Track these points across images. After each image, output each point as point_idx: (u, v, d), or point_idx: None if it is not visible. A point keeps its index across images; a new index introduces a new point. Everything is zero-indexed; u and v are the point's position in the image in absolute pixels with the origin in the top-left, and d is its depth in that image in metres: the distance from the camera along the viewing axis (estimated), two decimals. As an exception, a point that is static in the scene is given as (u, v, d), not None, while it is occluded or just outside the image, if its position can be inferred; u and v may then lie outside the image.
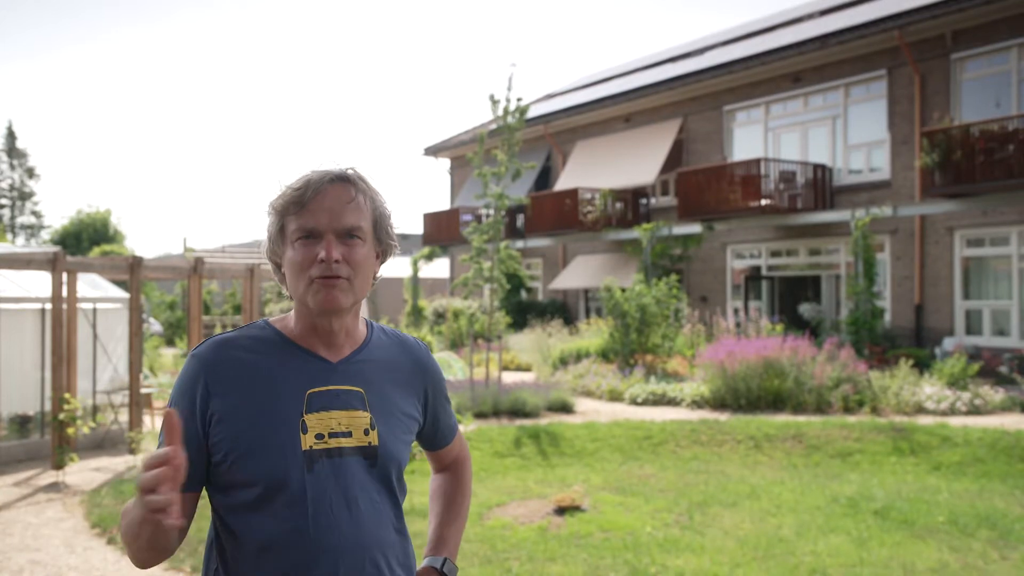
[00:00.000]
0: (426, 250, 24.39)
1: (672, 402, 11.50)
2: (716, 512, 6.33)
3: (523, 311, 21.54)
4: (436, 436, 1.81)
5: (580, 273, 21.43)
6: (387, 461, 1.57)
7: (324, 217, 1.51)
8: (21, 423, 8.94)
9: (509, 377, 13.64)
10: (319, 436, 1.51)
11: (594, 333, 16.45)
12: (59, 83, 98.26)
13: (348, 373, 1.59)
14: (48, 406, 8.79)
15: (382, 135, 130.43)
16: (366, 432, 1.55)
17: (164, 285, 32.21)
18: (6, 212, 52.72)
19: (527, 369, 15.99)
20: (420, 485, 6.11)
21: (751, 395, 10.86)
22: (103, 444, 9.47)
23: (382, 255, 1.63)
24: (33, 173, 53.54)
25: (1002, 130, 13.17)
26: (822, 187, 16.70)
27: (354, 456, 1.53)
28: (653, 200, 20.81)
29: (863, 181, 16.29)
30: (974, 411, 10.11)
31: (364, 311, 1.60)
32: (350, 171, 1.57)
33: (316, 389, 1.54)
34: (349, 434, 1.54)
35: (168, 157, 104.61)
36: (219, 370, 1.52)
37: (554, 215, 20.25)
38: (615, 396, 12.24)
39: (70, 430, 8.04)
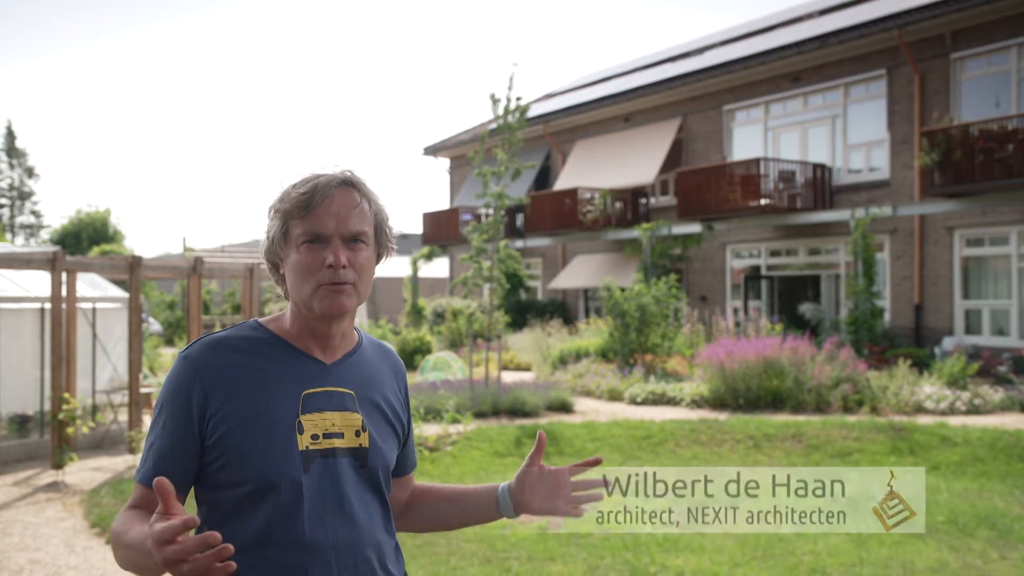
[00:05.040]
0: (425, 250, 24.38)
1: (671, 402, 11.50)
2: (716, 512, 6.33)
3: (523, 311, 21.53)
4: (406, 453, 1.79)
5: (580, 273, 21.43)
6: (376, 463, 1.58)
7: (331, 222, 1.51)
8: (20, 423, 8.93)
9: (508, 377, 13.64)
10: (314, 437, 1.52)
11: (593, 333, 16.45)
12: (59, 83, 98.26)
13: (341, 375, 1.60)
14: (47, 406, 8.79)
15: (382, 135, 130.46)
16: (357, 434, 1.57)
17: (164, 285, 32.23)
18: (5, 212, 52.68)
19: (526, 369, 15.98)
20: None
21: (750, 395, 10.86)
22: (103, 444, 9.47)
23: (379, 257, 1.65)
24: (32, 173, 53.45)
25: (1002, 130, 13.18)
26: (821, 187, 16.70)
27: (346, 457, 1.55)
28: (652, 200, 20.81)
29: (863, 181, 16.29)
30: (973, 411, 10.11)
31: (363, 312, 1.60)
32: (352, 174, 1.57)
33: (311, 390, 1.55)
34: (341, 435, 1.55)
35: (168, 157, 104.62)
36: (214, 372, 1.51)
37: (553, 215, 20.25)
38: (614, 396, 12.24)
39: (69, 430, 8.04)
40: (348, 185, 1.55)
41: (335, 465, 1.53)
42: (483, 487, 1.80)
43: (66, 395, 8.11)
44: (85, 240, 37.37)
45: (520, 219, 21.58)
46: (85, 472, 8.02)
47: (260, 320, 1.63)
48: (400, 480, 1.80)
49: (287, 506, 1.48)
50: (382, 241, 1.62)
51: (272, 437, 1.49)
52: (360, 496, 1.56)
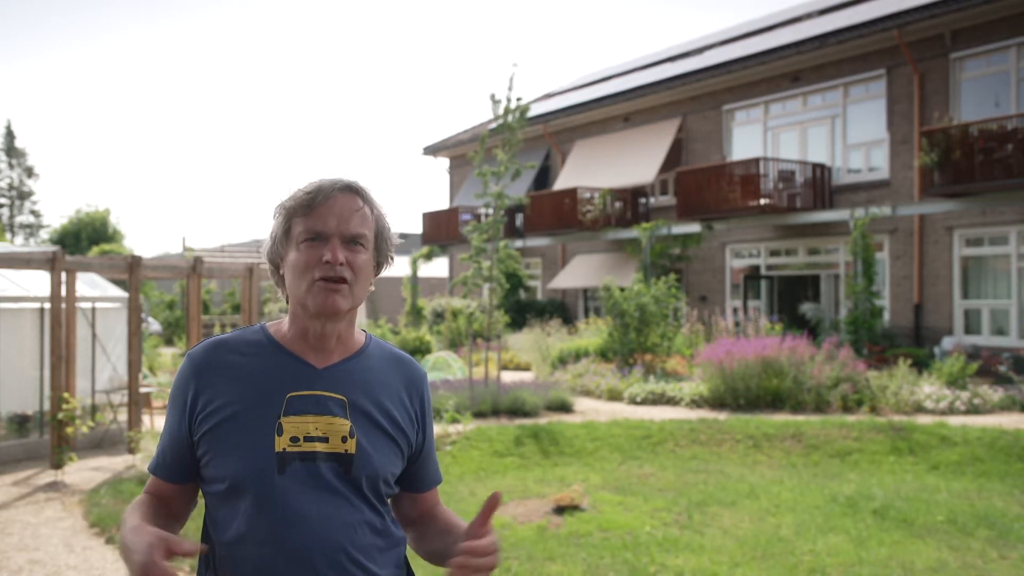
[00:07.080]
0: (425, 249, 24.36)
1: (671, 401, 11.50)
2: (715, 511, 6.33)
3: (522, 310, 21.53)
4: (419, 470, 1.73)
5: (579, 272, 21.43)
6: (362, 471, 1.55)
7: (332, 221, 1.55)
8: (20, 422, 8.93)
9: (508, 376, 13.63)
10: (294, 439, 1.52)
11: (593, 332, 16.45)
12: (58, 83, 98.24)
13: (332, 379, 1.59)
14: (47, 405, 8.79)
15: (382, 135, 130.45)
16: (344, 440, 1.55)
17: (163, 284, 32.24)
18: (5, 211, 52.67)
19: (526, 368, 15.98)
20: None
21: (750, 394, 10.86)
22: (102, 443, 9.47)
23: (378, 266, 1.66)
24: (32, 172, 53.48)
25: (1001, 130, 13.18)
26: (821, 187, 16.70)
27: (328, 462, 1.54)
28: (652, 199, 20.81)
29: (862, 180, 16.30)
30: (973, 410, 10.11)
31: (362, 312, 1.60)
32: (356, 182, 1.61)
33: (296, 393, 1.56)
34: (326, 439, 1.54)
35: (167, 157, 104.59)
36: (208, 370, 1.59)
37: (553, 214, 20.24)
38: (614, 395, 12.24)
39: (69, 429, 8.04)
40: (352, 190, 1.59)
41: (315, 469, 1.52)
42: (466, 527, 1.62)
43: (65, 395, 8.11)
44: (85, 240, 37.39)
45: (520, 219, 21.57)
46: (84, 472, 8.02)
47: (266, 324, 1.67)
48: (412, 496, 1.74)
49: (260, 505, 1.50)
50: (382, 249, 1.64)
51: (249, 436, 1.52)
52: (342, 501, 1.53)
